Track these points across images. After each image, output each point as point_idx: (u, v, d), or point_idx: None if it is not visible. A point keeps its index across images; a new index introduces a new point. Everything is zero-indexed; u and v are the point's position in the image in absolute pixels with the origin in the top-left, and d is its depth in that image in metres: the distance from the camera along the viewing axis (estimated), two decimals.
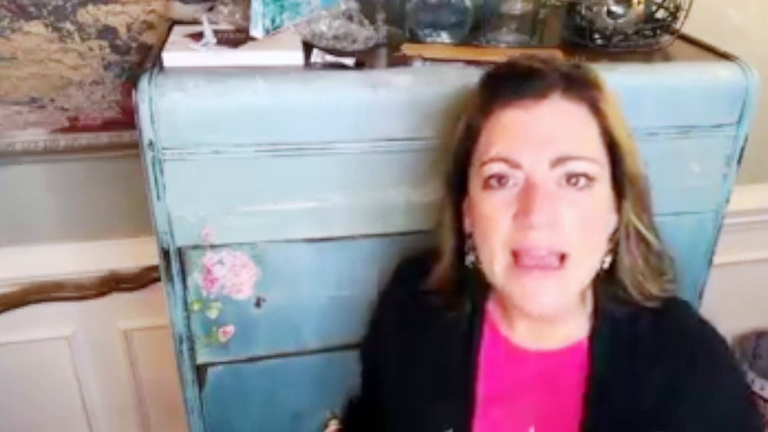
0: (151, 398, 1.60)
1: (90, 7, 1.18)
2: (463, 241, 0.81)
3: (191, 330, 1.00)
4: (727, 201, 1.07)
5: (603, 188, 0.73)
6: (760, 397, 1.66)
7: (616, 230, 0.76)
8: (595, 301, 0.80)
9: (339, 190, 0.95)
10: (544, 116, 0.71)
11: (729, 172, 1.05)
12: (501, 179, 0.71)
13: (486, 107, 0.75)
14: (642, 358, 0.76)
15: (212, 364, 1.03)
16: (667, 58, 1.04)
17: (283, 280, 1.00)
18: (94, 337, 1.49)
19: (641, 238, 0.77)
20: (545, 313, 0.73)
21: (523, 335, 0.81)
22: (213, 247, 0.95)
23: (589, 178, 0.71)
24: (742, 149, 1.03)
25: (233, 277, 0.98)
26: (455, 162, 0.79)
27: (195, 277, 0.96)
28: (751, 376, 1.68)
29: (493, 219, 0.72)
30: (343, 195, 0.96)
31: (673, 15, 1.06)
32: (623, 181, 0.75)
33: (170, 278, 0.96)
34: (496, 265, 0.73)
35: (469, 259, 0.80)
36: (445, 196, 0.82)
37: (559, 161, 0.70)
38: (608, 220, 0.75)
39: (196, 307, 0.98)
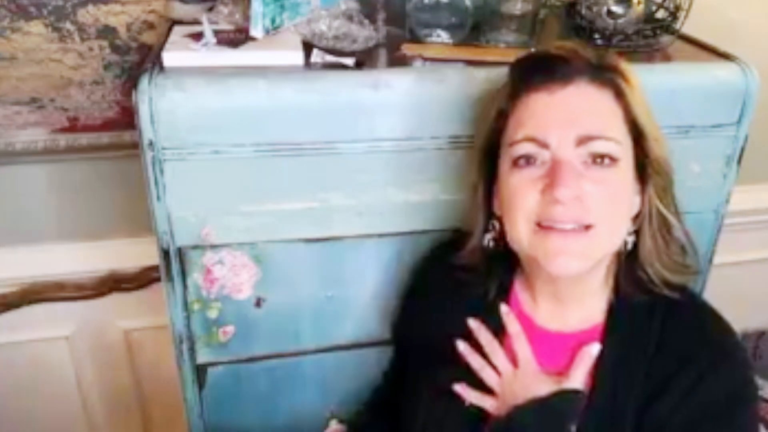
0: (151, 398, 1.60)
1: (90, 7, 1.18)
2: (491, 219, 0.85)
3: (191, 330, 1.00)
4: (727, 201, 1.08)
5: (626, 168, 0.76)
6: (761, 397, 1.66)
7: (639, 213, 0.80)
8: (615, 285, 0.82)
9: (339, 190, 0.95)
10: (570, 98, 0.75)
11: (729, 172, 1.05)
12: (529, 159, 0.76)
13: (514, 93, 0.79)
14: (652, 349, 0.78)
15: (212, 364, 1.03)
16: (667, 58, 1.04)
17: (283, 280, 1.00)
18: (94, 337, 1.49)
19: (663, 221, 0.80)
20: (568, 272, 0.76)
21: (546, 315, 0.85)
22: (213, 247, 0.95)
23: (613, 159, 0.74)
24: (742, 149, 1.03)
25: (233, 277, 0.98)
26: (486, 146, 0.83)
27: (195, 277, 0.96)
28: None
29: (521, 193, 0.76)
30: (343, 195, 0.96)
31: (673, 15, 1.06)
32: (646, 165, 0.78)
33: (170, 278, 0.96)
34: (521, 233, 0.76)
35: (488, 237, 0.85)
36: (477, 179, 0.85)
37: (584, 140, 0.74)
38: (632, 201, 0.79)
39: (196, 307, 0.98)
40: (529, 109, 0.77)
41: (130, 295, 1.43)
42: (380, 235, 1.00)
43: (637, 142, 0.77)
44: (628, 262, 0.81)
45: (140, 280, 1.42)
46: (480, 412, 0.83)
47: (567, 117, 0.75)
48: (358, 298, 1.04)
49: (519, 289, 0.88)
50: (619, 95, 0.76)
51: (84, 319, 1.46)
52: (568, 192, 0.72)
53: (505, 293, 0.88)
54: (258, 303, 1.00)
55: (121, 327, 1.49)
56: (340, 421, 1.13)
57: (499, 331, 0.86)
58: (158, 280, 1.03)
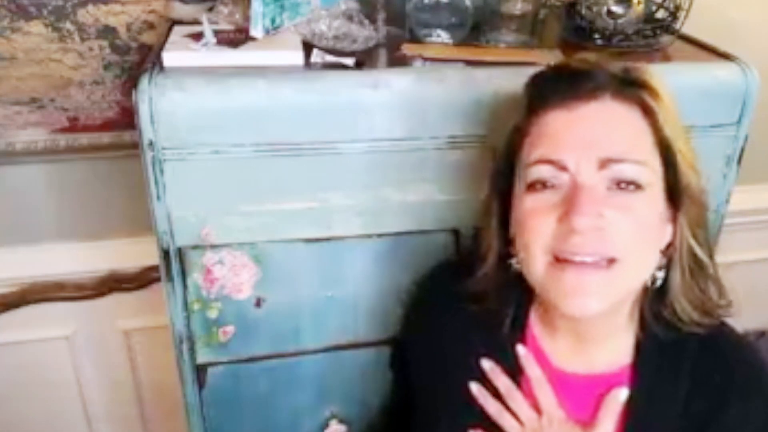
0: (151, 398, 1.60)
1: (90, 7, 1.18)
2: (507, 244, 0.77)
3: (191, 330, 1.00)
4: (727, 201, 1.08)
5: (656, 194, 0.69)
6: None
7: (670, 245, 0.73)
8: (641, 322, 0.76)
9: (339, 190, 0.95)
10: (591, 116, 0.69)
11: (729, 172, 1.05)
12: (546, 183, 0.69)
13: (531, 109, 0.72)
14: (686, 387, 0.73)
15: (212, 364, 1.03)
16: (667, 58, 1.04)
17: (283, 280, 1.00)
18: (94, 337, 1.49)
19: (694, 257, 0.73)
20: (586, 314, 0.68)
21: (566, 354, 0.78)
22: (213, 247, 0.95)
23: (638, 185, 0.67)
24: (742, 149, 1.03)
25: (233, 277, 0.98)
26: (502, 163, 0.76)
27: (195, 277, 0.96)
28: None
29: (536, 221, 0.69)
30: (343, 195, 0.96)
31: (673, 15, 1.06)
32: (678, 191, 0.71)
33: (170, 278, 0.96)
34: (536, 264, 0.70)
35: (514, 261, 0.76)
36: (492, 198, 0.78)
37: (607, 162, 0.67)
38: (663, 230, 0.72)
39: (196, 307, 0.98)
40: (546, 128, 0.70)
41: (130, 295, 1.43)
42: (380, 235, 1.00)
43: (667, 164, 0.69)
44: (654, 297, 0.74)
45: (140, 280, 1.42)
46: None
47: (588, 137, 0.67)
48: (358, 298, 1.04)
49: (535, 322, 0.80)
50: (648, 113, 0.69)
51: (84, 319, 1.46)
52: (586, 221, 0.65)
53: (520, 327, 0.80)
54: (258, 303, 1.00)
55: (121, 327, 1.49)
56: (340, 421, 1.13)
57: (515, 370, 0.79)
58: (158, 280, 1.03)
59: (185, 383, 1.04)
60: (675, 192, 0.71)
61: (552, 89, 0.71)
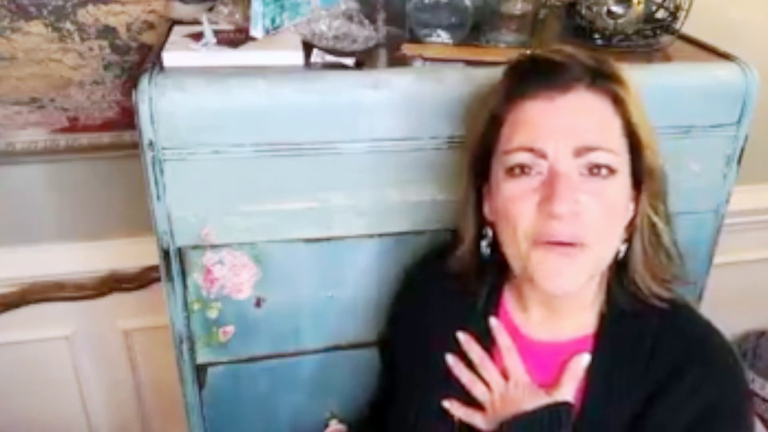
0: (151, 398, 1.60)
1: (90, 7, 1.18)
2: (481, 227, 0.83)
3: (191, 330, 1.00)
4: (727, 201, 1.07)
5: (623, 179, 0.74)
6: (761, 397, 1.66)
7: (632, 220, 0.78)
8: (607, 294, 0.81)
9: (339, 190, 0.95)
10: (568, 107, 0.73)
11: (729, 172, 1.05)
12: (524, 168, 0.73)
13: (510, 98, 0.76)
14: (645, 356, 0.77)
15: (212, 364, 1.03)
16: (667, 58, 1.04)
17: (283, 280, 1.00)
18: (94, 337, 1.49)
19: (653, 229, 0.78)
20: (566, 292, 0.75)
21: (536, 325, 0.83)
22: (213, 247, 0.95)
23: (611, 170, 0.72)
24: (742, 149, 1.03)
25: (233, 277, 0.98)
26: (478, 151, 0.80)
27: (195, 277, 0.96)
28: (751, 375, 1.69)
29: (516, 205, 0.73)
30: (343, 195, 0.96)
31: (673, 15, 1.06)
32: (641, 173, 0.76)
33: (170, 278, 0.96)
34: (519, 247, 0.74)
35: (484, 244, 0.82)
36: (468, 184, 0.83)
37: (583, 150, 0.71)
38: (627, 210, 0.77)
39: (196, 307, 0.98)
40: (525, 117, 0.74)
41: (130, 295, 1.43)
42: (380, 235, 1.00)
43: (633, 150, 0.75)
44: (619, 271, 0.79)
45: (140, 280, 1.42)
46: (471, 429, 0.82)
47: (566, 126, 0.72)
48: (358, 298, 1.04)
49: (508, 296, 0.86)
50: (618, 103, 0.74)
51: (84, 319, 1.46)
52: (565, 207, 0.70)
53: (494, 302, 0.86)
54: (258, 303, 1.00)
55: (121, 327, 1.49)
56: (340, 421, 1.13)
57: (488, 342, 0.84)
58: (158, 280, 1.03)
59: (185, 383, 1.04)
60: (639, 173, 0.76)
61: (530, 79, 0.75)
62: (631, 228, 0.78)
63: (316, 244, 0.98)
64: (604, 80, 0.74)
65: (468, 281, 0.86)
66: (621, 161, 0.74)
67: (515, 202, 0.74)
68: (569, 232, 0.71)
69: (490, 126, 0.78)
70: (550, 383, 0.80)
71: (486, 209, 0.82)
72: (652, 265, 0.78)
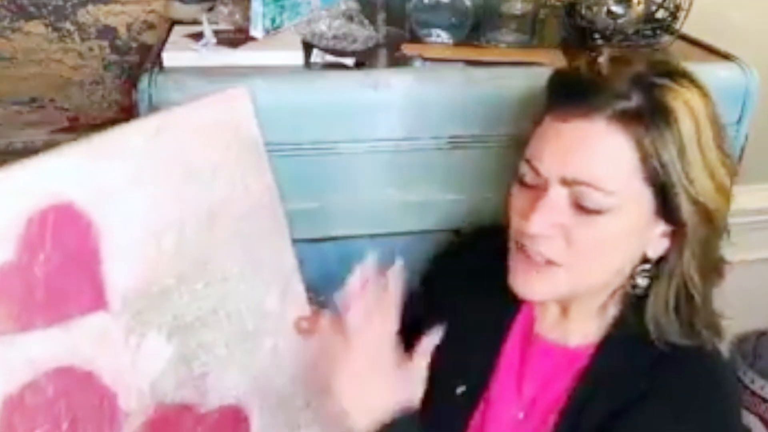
0: None
1: (90, 7, 1.18)
2: None
3: None
4: None
5: (629, 215, 0.70)
6: (760, 397, 1.66)
7: (663, 258, 0.73)
8: (620, 315, 0.78)
9: (339, 191, 0.95)
10: (574, 134, 0.70)
11: None
12: (528, 179, 0.74)
13: (547, 107, 0.75)
14: (637, 387, 0.74)
15: None
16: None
17: None
18: None
19: (685, 283, 0.73)
20: (528, 298, 0.77)
21: (547, 323, 0.82)
22: None
23: (598, 210, 0.69)
24: (742, 149, 1.03)
25: None
26: (519, 147, 0.79)
27: None
28: (750, 376, 1.68)
29: (513, 213, 0.76)
30: (343, 195, 0.96)
31: (673, 15, 1.06)
32: (674, 219, 0.70)
33: None
34: (509, 244, 0.77)
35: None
36: (512, 177, 0.81)
37: (570, 183, 0.69)
38: (646, 241, 0.73)
39: None
40: (543, 132, 0.73)
41: None
42: (380, 235, 1.00)
43: (661, 195, 0.69)
44: (635, 302, 0.75)
45: None
46: (470, 398, 0.82)
47: (562, 152, 0.70)
48: None
49: None
50: (639, 143, 0.68)
51: None
52: (533, 227, 0.70)
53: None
54: None
55: None
56: None
57: (509, 314, 0.84)
58: None
59: None
60: (672, 216, 0.71)
61: (559, 94, 0.73)
62: (660, 265, 0.73)
63: (316, 244, 0.98)
64: (634, 115, 0.68)
65: (496, 274, 0.82)
66: (621, 201, 0.69)
67: (513, 210, 0.76)
68: (538, 250, 0.72)
69: (529, 128, 0.77)
70: (544, 385, 0.79)
71: None
72: (673, 311, 0.73)
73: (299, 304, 0.77)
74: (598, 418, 0.74)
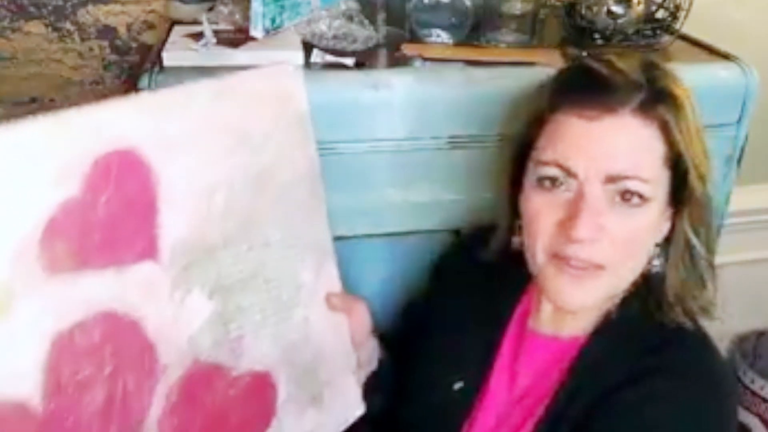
0: None
1: (90, 7, 1.18)
2: (514, 220, 0.81)
3: None
4: (727, 201, 1.07)
5: (656, 206, 0.72)
6: (760, 397, 1.66)
7: (669, 238, 0.76)
8: (623, 301, 0.78)
9: (340, 191, 0.95)
10: (608, 130, 0.70)
11: (729, 172, 1.05)
12: (554, 182, 0.72)
13: (554, 105, 0.74)
14: (625, 372, 0.74)
15: None
16: (667, 58, 1.04)
17: None
18: None
19: (690, 251, 0.76)
20: (573, 308, 0.75)
21: (544, 319, 0.82)
22: None
23: (643, 199, 0.70)
24: (742, 149, 1.03)
25: None
26: (517, 148, 0.79)
27: None
28: (751, 376, 1.68)
29: (540, 219, 0.73)
30: (344, 195, 0.95)
31: (673, 15, 1.06)
32: (683, 196, 0.74)
33: None
34: (537, 257, 0.74)
35: (516, 241, 0.81)
36: (506, 177, 0.81)
37: (615, 178, 0.70)
38: (657, 231, 0.75)
39: None
40: (564, 131, 0.72)
41: None
42: (380, 236, 1.00)
43: (676, 175, 0.72)
44: (644, 285, 0.77)
45: None
46: (468, 394, 0.83)
47: (601, 151, 0.70)
48: None
49: (531, 291, 0.85)
50: (664, 130, 0.71)
51: None
52: (585, 233, 0.69)
53: (517, 295, 0.85)
54: None
55: None
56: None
57: (507, 310, 0.84)
58: None
59: None
60: (679, 195, 0.74)
61: (575, 92, 0.72)
62: (666, 246, 0.76)
63: None
64: (653, 104, 0.71)
65: (500, 269, 0.84)
66: (656, 189, 0.71)
67: (539, 216, 0.73)
68: (585, 256, 0.70)
69: (532, 126, 0.76)
70: (537, 378, 0.79)
71: (521, 206, 0.79)
72: (684, 287, 0.76)
73: (332, 280, 0.80)
74: (582, 407, 0.74)
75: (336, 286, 0.80)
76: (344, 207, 0.96)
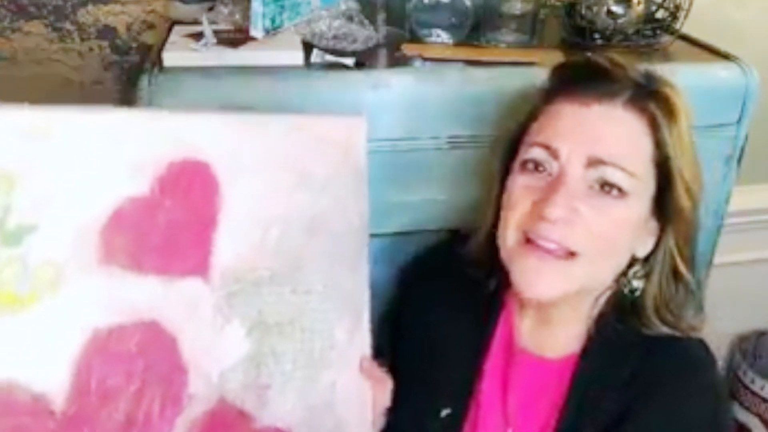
0: None
1: (90, 7, 1.18)
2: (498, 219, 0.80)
3: None
4: (727, 201, 1.07)
5: (637, 206, 0.71)
6: (760, 397, 1.66)
7: (651, 255, 0.76)
8: (600, 317, 0.78)
9: None
10: (596, 116, 0.71)
11: (729, 172, 1.05)
12: (538, 165, 0.72)
13: (550, 95, 0.75)
14: (626, 381, 0.74)
15: None
16: (667, 58, 1.04)
17: None
18: None
19: (675, 270, 0.76)
20: (539, 297, 0.72)
21: (527, 334, 0.81)
22: None
23: (622, 192, 0.70)
24: (742, 149, 1.03)
25: None
26: (508, 142, 0.79)
27: None
28: (751, 376, 1.68)
29: (516, 199, 0.73)
30: None
31: (673, 15, 1.06)
32: (670, 210, 0.73)
33: None
34: (507, 239, 0.73)
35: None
36: (496, 173, 0.81)
37: (596, 162, 0.69)
38: (639, 240, 0.74)
39: None
40: (554, 116, 0.73)
41: None
42: (380, 236, 1.00)
43: (661, 183, 0.72)
44: (626, 302, 0.77)
45: None
46: (455, 420, 0.81)
47: (586, 133, 0.70)
48: None
49: (511, 296, 0.83)
50: (654, 127, 0.71)
51: None
52: (557, 211, 0.68)
53: (499, 298, 0.83)
54: None
55: None
56: None
57: (487, 339, 0.82)
58: None
59: None
60: (664, 209, 0.73)
61: (570, 81, 0.74)
62: (648, 264, 0.76)
63: None
64: (645, 98, 0.71)
65: (477, 271, 0.83)
66: (638, 186, 0.71)
67: (516, 197, 0.73)
68: (557, 237, 0.69)
69: (526, 119, 0.77)
70: (530, 400, 0.78)
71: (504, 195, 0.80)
72: (665, 305, 0.75)
73: (364, 344, 0.76)
74: (598, 425, 0.73)
75: (367, 350, 0.77)
76: None
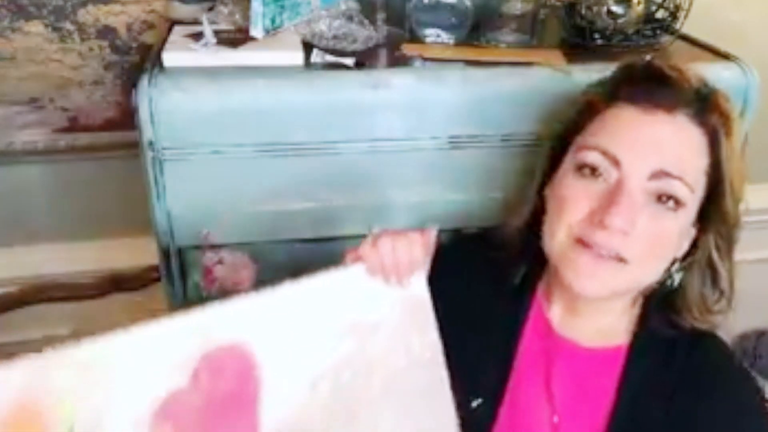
0: None
1: (90, 7, 1.18)
2: (536, 209, 0.80)
3: None
4: None
5: (687, 215, 0.72)
6: (762, 396, 1.66)
7: (690, 254, 0.76)
8: (643, 313, 0.78)
9: (339, 191, 0.95)
10: (662, 127, 0.70)
11: None
12: (594, 170, 0.71)
13: (613, 95, 0.74)
14: (673, 381, 0.75)
15: None
16: (667, 58, 1.04)
17: (283, 281, 0.99)
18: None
19: (713, 271, 0.77)
20: (590, 295, 0.73)
21: (561, 323, 0.81)
22: (213, 247, 0.95)
23: (679, 204, 0.70)
24: (742, 149, 1.03)
25: (233, 277, 0.98)
26: (564, 133, 0.78)
27: (195, 277, 0.96)
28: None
29: (570, 204, 0.72)
30: (343, 195, 0.96)
31: (673, 15, 1.06)
32: (715, 214, 0.74)
33: (170, 278, 0.96)
34: (558, 239, 0.73)
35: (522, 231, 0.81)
36: (544, 161, 0.80)
37: (662, 175, 0.69)
38: (682, 242, 0.75)
39: None
40: (615, 120, 0.72)
41: (130, 295, 1.43)
42: None
43: (711, 193, 0.73)
44: (665, 296, 0.77)
45: (140, 280, 1.42)
46: (488, 410, 0.80)
47: (651, 145, 0.70)
48: None
49: (540, 288, 0.84)
50: (714, 143, 0.71)
51: (84, 319, 1.46)
52: (619, 222, 0.68)
53: (528, 288, 0.83)
54: None
55: (121, 327, 1.49)
56: None
57: (520, 327, 0.82)
58: (158, 280, 1.03)
59: None
60: (710, 213, 0.74)
61: (637, 85, 0.73)
62: (688, 260, 0.76)
63: (316, 244, 0.98)
64: (708, 112, 0.71)
65: (507, 262, 0.83)
66: (693, 198, 0.71)
67: (571, 200, 0.72)
68: (613, 246, 0.69)
69: (582, 114, 0.76)
70: (578, 389, 0.78)
71: (547, 192, 0.79)
72: (703, 302, 0.77)
73: None
74: (655, 415, 0.73)
75: None
76: (344, 207, 0.96)
